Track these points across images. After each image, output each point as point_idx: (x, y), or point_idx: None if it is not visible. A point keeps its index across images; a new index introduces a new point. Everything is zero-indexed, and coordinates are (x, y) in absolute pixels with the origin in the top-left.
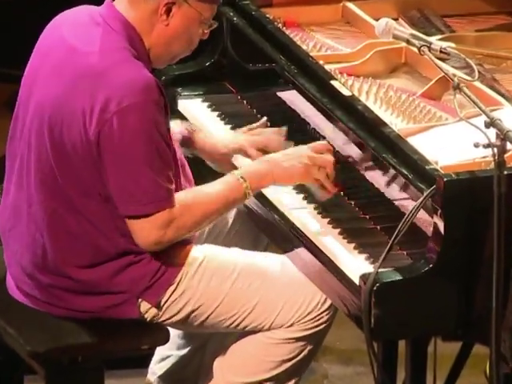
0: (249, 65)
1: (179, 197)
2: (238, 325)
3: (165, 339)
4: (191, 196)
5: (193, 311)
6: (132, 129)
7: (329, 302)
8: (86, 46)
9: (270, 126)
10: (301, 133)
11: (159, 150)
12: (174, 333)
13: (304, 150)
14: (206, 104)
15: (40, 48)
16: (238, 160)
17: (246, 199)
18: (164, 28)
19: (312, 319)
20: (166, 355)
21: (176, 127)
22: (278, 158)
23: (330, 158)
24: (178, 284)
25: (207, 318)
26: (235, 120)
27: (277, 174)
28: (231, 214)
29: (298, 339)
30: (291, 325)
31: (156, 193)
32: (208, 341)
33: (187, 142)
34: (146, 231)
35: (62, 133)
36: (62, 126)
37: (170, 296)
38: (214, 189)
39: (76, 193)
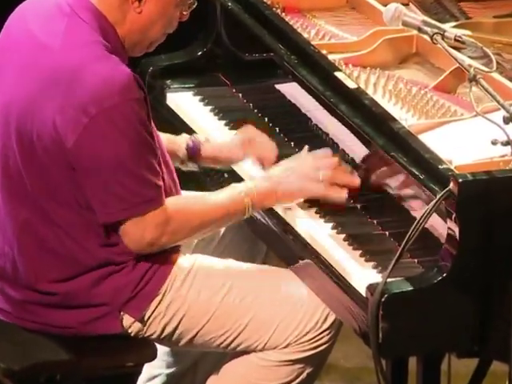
0: (245, 54)
1: (177, 200)
2: (229, 344)
3: (152, 356)
4: (190, 201)
5: (180, 327)
6: (115, 131)
7: (330, 321)
8: (55, 41)
9: (268, 122)
10: (302, 129)
11: (146, 147)
12: (163, 350)
13: (307, 161)
14: (198, 98)
15: (4, 41)
16: (242, 168)
17: (245, 216)
18: (137, 16)
19: (310, 340)
20: (154, 374)
21: (182, 141)
22: (280, 175)
23: (333, 159)
24: (163, 296)
25: (195, 335)
26: (230, 115)
27: (280, 193)
28: None
29: (294, 361)
30: (286, 346)
31: (147, 192)
32: (200, 359)
33: (194, 155)
34: (140, 232)
35: (31, 137)
36: (31, 130)
37: (155, 309)
38: (214, 198)
39: (50, 201)
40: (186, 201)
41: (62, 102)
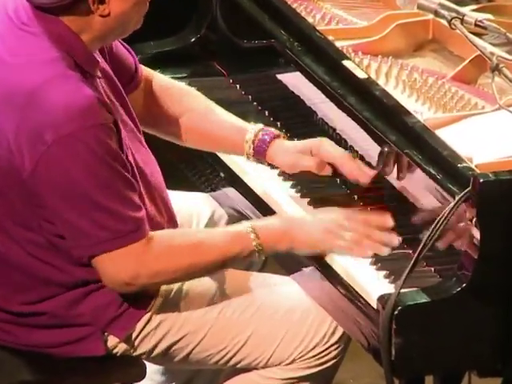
0: (243, 41)
1: (165, 235)
2: (227, 361)
3: (141, 375)
4: (178, 237)
5: (173, 345)
6: (75, 161)
7: (338, 334)
8: (13, 57)
9: (269, 116)
10: (306, 123)
11: (115, 176)
12: (153, 368)
13: (336, 215)
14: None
15: None
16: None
17: (252, 259)
18: (107, 19)
19: (317, 355)
20: None
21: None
22: (300, 221)
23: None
24: (152, 313)
25: (191, 352)
26: (226, 108)
27: (297, 242)
28: (219, 223)
29: (300, 379)
30: (292, 362)
31: (119, 226)
32: (194, 377)
33: (259, 157)
34: (113, 270)
35: None
36: None
37: (144, 328)
38: (213, 236)
39: (11, 223)
40: (174, 237)
41: (18, 127)
